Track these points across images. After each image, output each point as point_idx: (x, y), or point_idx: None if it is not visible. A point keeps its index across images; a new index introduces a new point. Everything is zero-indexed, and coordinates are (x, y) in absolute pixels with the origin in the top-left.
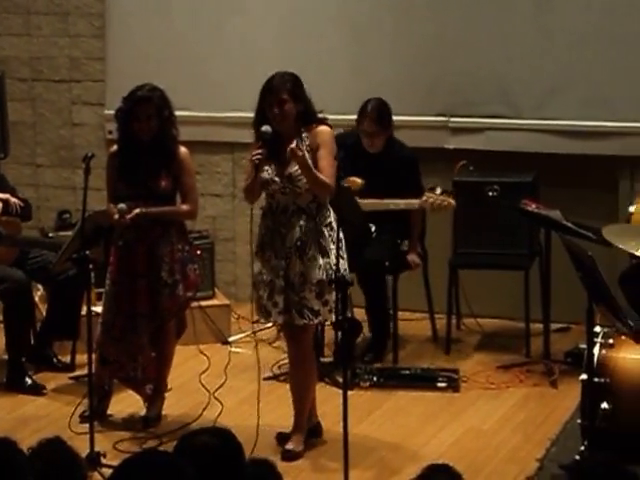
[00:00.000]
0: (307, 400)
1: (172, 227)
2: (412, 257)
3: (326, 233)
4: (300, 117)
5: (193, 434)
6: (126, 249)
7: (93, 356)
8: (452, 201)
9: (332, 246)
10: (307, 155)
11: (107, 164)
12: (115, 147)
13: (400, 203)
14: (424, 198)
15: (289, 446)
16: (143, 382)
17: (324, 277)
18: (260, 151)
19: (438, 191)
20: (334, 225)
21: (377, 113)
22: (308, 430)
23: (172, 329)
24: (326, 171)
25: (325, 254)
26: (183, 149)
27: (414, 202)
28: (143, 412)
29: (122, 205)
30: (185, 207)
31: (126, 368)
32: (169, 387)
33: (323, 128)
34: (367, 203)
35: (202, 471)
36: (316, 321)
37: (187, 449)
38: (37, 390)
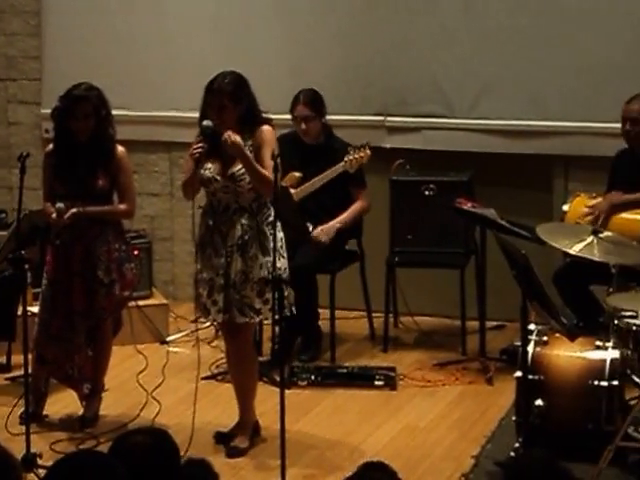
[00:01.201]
0: (251, 398)
1: (109, 226)
2: (319, 232)
3: (267, 232)
4: (242, 119)
5: (128, 434)
6: (63, 248)
7: (30, 356)
8: (367, 151)
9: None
10: (245, 148)
11: (43, 163)
12: (51, 146)
13: (327, 175)
14: (345, 161)
15: (235, 443)
16: (80, 381)
17: (266, 275)
18: (201, 145)
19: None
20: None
21: (309, 98)
22: None
23: (109, 328)
24: (269, 168)
25: (267, 253)
26: (120, 148)
27: (338, 167)
28: (80, 412)
29: (60, 204)
30: (122, 206)
31: (64, 367)
32: (106, 387)
33: (264, 127)
34: (299, 191)
35: (137, 471)
36: (257, 319)
37: (122, 449)
38: None
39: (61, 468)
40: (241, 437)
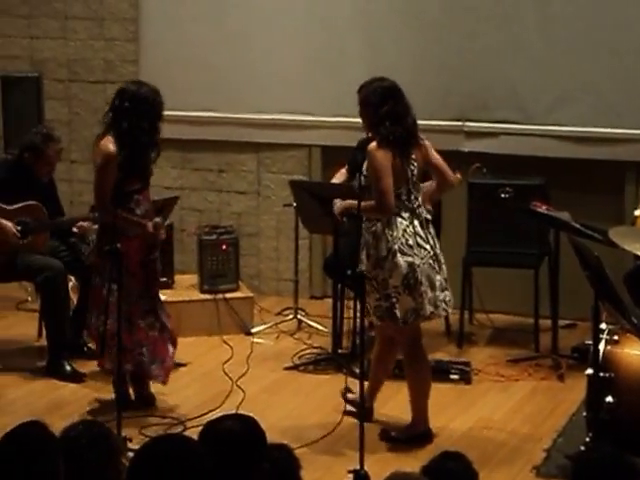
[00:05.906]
0: (416, 398)
1: None
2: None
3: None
4: None
5: (218, 420)
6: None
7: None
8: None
9: None
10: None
11: (109, 164)
12: (113, 147)
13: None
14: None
15: (393, 432)
16: (149, 364)
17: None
18: None
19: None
20: None
21: None
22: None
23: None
24: None
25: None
26: None
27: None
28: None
29: (157, 219)
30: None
31: (133, 354)
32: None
33: None
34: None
35: (226, 454)
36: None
37: (212, 434)
38: (77, 377)
39: (147, 451)
40: (401, 428)
